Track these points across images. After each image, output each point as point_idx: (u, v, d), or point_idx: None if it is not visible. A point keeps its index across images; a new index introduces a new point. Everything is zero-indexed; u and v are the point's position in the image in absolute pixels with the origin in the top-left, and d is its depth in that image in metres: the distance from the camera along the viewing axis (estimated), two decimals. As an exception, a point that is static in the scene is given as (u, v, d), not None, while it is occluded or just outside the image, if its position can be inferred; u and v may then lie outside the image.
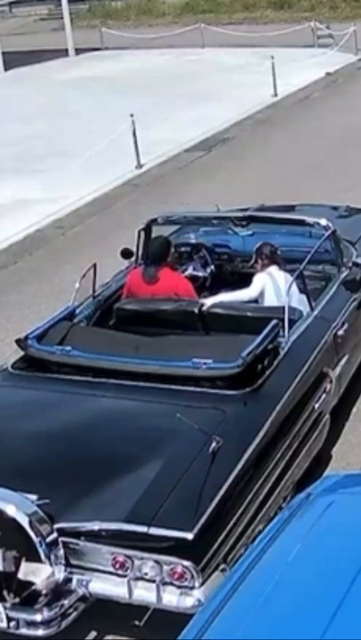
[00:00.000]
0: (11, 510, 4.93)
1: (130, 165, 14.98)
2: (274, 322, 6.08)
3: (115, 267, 8.02)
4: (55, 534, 4.94)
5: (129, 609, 4.97)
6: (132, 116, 14.91)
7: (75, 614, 5.01)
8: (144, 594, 4.89)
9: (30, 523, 4.91)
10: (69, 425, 5.69)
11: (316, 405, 6.05)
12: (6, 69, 27.09)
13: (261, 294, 6.92)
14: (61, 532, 4.96)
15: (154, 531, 4.84)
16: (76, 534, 4.99)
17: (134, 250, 7.68)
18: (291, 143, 15.92)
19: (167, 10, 37.18)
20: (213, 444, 5.09)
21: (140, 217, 11.24)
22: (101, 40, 29.29)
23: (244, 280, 7.34)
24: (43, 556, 4.91)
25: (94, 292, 7.16)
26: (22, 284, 10.86)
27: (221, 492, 5.02)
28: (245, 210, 8.26)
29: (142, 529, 4.86)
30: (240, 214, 7.93)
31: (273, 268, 6.96)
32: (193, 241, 8.03)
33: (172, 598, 4.83)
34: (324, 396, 6.16)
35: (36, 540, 4.90)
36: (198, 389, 5.72)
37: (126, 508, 4.95)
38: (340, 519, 3.76)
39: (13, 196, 13.78)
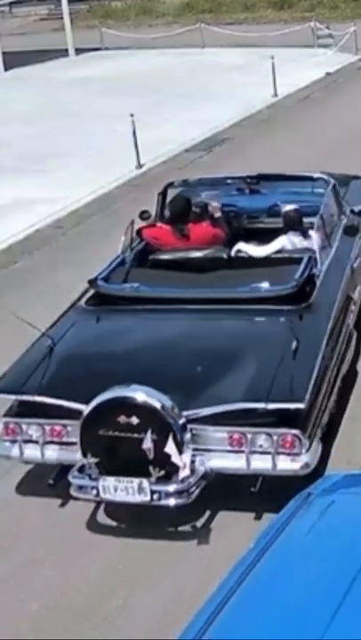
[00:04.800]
0: (140, 397, 5.75)
1: (130, 165, 14.98)
2: (309, 255, 7.26)
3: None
4: (184, 419, 5.77)
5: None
6: (132, 115, 14.91)
7: (198, 490, 5.79)
8: (260, 464, 5.79)
9: (162, 407, 5.73)
10: (164, 339, 6.65)
11: (349, 321, 7.30)
12: (6, 69, 27.10)
13: (280, 252, 7.84)
14: (185, 419, 5.79)
15: (271, 405, 5.73)
16: (197, 420, 5.80)
17: (152, 212, 8.48)
18: (291, 143, 15.92)
19: (167, 10, 37.19)
20: (295, 340, 6.08)
21: (140, 217, 11.16)
22: (101, 40, 29.30)
23: (251, 235, 8.22)
24: (177, 437, 5.70)
25: (131, 244, 7.95)
26: (22, 284, 10.85)
27: (315, 371, 6.03)
28: (245, 177, 9.17)
29: (261, 405, 5.75)
30: (251, 174, 9.11)
31: (293, 234, 7.87)
32: (206, 201, 8.66)
33: (284, 465, 5.75)
34: (351, 314, 7.42)
35: (169, 421, 5.72)
36: (265, 307, 6.74)
37: (241, 392, 5.86)
38: (340, 519, 3.76)
39: (14, 196, 13.77)
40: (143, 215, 8.28)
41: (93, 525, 6.16)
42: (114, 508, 6.16)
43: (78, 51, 28.79)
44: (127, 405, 5.77)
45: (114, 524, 6.19)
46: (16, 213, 13.06)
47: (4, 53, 27.52)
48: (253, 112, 18.73)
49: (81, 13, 37.07)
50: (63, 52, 28.72)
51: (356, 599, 3.13)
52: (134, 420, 5.73)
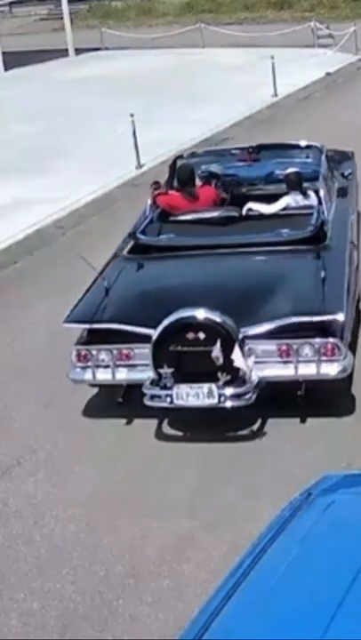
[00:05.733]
0: (204, 315, 6.77)
1: (130, 165, 14.98)
2: (318, 207, 8.27)
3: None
4: (242, 334, 6.77)
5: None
6: (132, 115, 14.90)
7: (255, 395, 6.82)
8: (306, 371, 6.82)
9: (224, 322, 6.74)
10: (210, 275, 7.56)
11: (354, 261, 8.15)
12: (6, 69, 27.12)
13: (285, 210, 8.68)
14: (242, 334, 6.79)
15: (316, 318, 6.81)
16: (250, 337, 6.81)
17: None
18: (291, 143, 15.90)
19: (167, 10, 37.21)
20: (323, 270, 7.16)
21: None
22: (101, 40, 29.32)
23: (254, 199, 9.03)
24: (238, 348, 6.70)
25: (153, 208, 8.82)
26: (22, 284, 10.85)
27: (344, 292, 7.11)
28: (247, 148, 10.36)
29: (307, 319, 6.80)
30: (252, 145, 10.37)
31: (295, 193, 8.71)
32: (211, 169, 9.73)
33: (326, 369, 6.81)
34: (355, 258, 8.24)
35: (232, 333, 6.74)
36: (290, 247, 7.71)
37: (288, 309, 6.87)
38: (340, 519, 3.76)
39: (14, 196, 13.77)
40: (154, 185, 9.15)
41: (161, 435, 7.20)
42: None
43: (78, 51, 28.81)
44: (193, 324, 6.78)
45: (180, 433, 7.21)
46: (16, 213, 13.06)
47: (4, 53, 27.53)
48: (253, 112, 18.74)
49: (81, 13, 37.10)
50: (63, 52, 28.74)
51: (357, 599, 3.13)
52: (201, 336, 6.76)
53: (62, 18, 30.22)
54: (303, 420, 7.10)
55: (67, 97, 21.28)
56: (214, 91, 20.53)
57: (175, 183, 9.28)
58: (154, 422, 7.23)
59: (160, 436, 7.15)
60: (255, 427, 7.07)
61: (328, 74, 22.12)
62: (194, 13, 35.10)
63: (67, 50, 28.99)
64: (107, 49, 28.96)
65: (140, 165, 15.06)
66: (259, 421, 7.10)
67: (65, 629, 5.30)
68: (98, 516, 6.27)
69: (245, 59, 24.24)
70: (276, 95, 19.78)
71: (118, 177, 14.64)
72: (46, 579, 5.72)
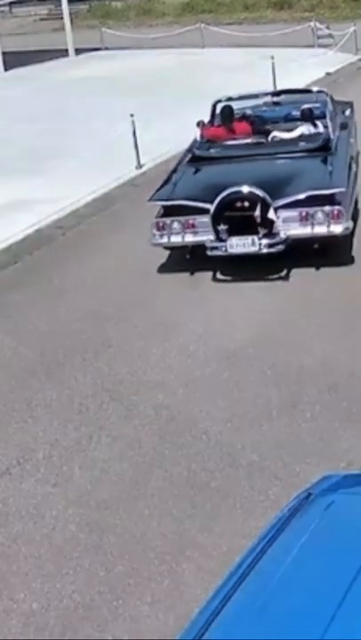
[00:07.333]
0: (245, 189, 9.78)
1: (130, 165, 14.96)
2: (325, 130, 11.07)
3: (115, 266, 8.94)
4: (274, 205, 9.70)
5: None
6: (132, 115, 14.88)
7: (283, 247, 9.81)
8: (319, 230, 9.72)
9: (262, 193, 9.69)
10: (249, 170, 10.31)
11: (353, 168, 11.15)
12: (6, 69, 27.12)
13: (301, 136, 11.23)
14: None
15: (326, 191, 9.79)
16: (279, 207, 9.73)
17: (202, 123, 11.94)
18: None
19: (167, 10, 37.22)
20: (330, 166, 10.27)
21: (140, 217, 11.22)
22: (101, 40, 29.33)
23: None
24: (273, 211, 9.70)
25: (202, 138, 11.55)
26: (22, 283, 10.85)
27: (346, 178, 10.29)
28: (271, 92, 13.82)
29: (321, 192, 9.77)
30: (276, 90, 14.47)
31: (308, 124, 11.32)
32: (244, 110, 12.38)
33: (334, 229, 9.68)
34: (354, 171, 11.13)
35: (268, 200, 9.67)
36: (308, 154, 10.60)
37: (307, 187, 9.82)
38: (340, 519, 3.75)
39: (14, 196, 13.76)
40: (199, 123, 11.74)
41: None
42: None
43: (78, 51, 28.81)
44: (240, 196, 9.79)
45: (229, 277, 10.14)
46: (16, 213, 13.05)
47: (4, 53, 27.54)
48: (254, 112, 18.69)
49: (81, 13, 37.12)
50: (63, 52, 28.74)
51: (357, 599, 3.13)
52: (246, 204, 9.78)
53: (62, 18, 30.22)
54: (318, 268, 9.94)
55: (67, 97, 21.28)
56: (214, 91, 20.38)
57: (216, 121, 11.96)
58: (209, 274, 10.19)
59: (215, 279, 10.14)
60: (283, 273, 9.95)
61: (328, 74, 22.12)
62: (194, 13, 35.10)
63: (67, 50, 28.99)
64: (107, 49, 28.96)
65: (140, 165, 15.04)
66: (285, 270, 9.99)
67: (65, 629, 5.30)
68: (98, 515, 6.27)
69: (245, 59, 24.24)
70: (276, 95, 19.75)
71: (118, 177, 14.62)
72: (46, 579, 5.72)
